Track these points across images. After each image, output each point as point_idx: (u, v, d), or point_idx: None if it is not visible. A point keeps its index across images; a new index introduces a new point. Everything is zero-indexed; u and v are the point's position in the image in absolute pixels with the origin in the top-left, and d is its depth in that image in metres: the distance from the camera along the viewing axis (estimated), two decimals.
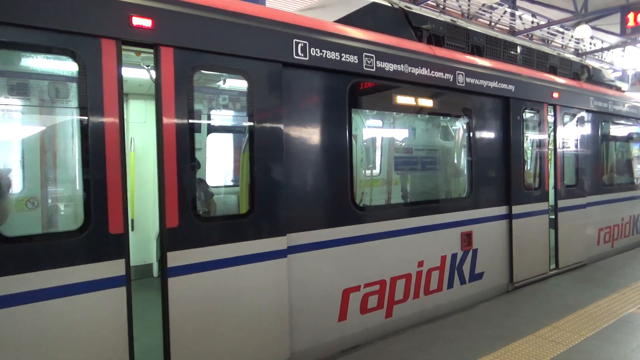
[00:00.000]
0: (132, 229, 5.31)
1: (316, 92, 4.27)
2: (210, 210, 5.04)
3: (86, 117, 3.00)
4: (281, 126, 3.89)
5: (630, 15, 12.78)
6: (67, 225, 3.59)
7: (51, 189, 4.08)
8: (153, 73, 3.34)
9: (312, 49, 4.07)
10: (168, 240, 3.31)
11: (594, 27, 16.48)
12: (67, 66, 3.14)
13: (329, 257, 4.26)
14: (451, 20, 6.13)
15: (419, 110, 5.64)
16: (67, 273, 2.90)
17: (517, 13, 16.30)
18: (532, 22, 17.18)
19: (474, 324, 4.86)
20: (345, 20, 4.90)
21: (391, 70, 4.72)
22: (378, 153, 6.95)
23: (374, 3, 5.25)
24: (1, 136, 3.38)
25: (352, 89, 4.48)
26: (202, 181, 4.89)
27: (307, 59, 4.04)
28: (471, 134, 5.79)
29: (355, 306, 4.47)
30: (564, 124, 7.20)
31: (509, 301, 5.62)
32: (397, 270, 4.83)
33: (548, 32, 18.62)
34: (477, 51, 6.15)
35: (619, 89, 9.49)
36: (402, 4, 5.66)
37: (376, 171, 6.97)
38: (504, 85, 6.06)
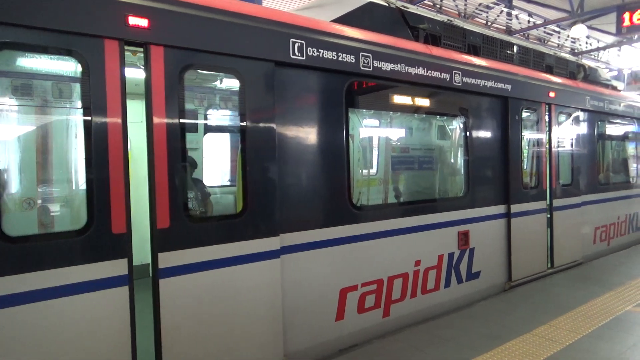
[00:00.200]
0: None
1: (313, 92, 4.26)
2: (207, 210, 5.02)
3: (90, 118, 3.00)
4: (274, 126, 3.87)
5: (626, 15, 12.87)
6: (70, 225, 3.58)
7: (53, 188, 4.06)
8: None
9: (309, 48, 4.07)
10: (159, 241, 3.29)
11: (590, 27, 16.52)
12: (70, 67, 3.13)
13: (326, 257, 4.25)
14: (448, 19, 6.14)
15: (416, 109, 5.64)
16: (71, 272, 2.90)
17: (514, 13, 16.32)
18: (529, 22, 17.22)
19: (471, 322, 4.87)
20: (342, 20, 4.91)
21: (388, 69, 4.72)
22: (375, 153, 6.95)
23: (370, 3, 5.26)
24: (4, 136, 3.36)
25: (349, 89, 4.48)
26: (199, 181, 4.87)
27: (304, 58, 4.04)
28: (468, 133, 5.80)
29: (352, 306, 4.47)
30: (560, 123, 7.23)
31: (506, 300, 5.63)
32: (395, 270, 4.84)
33: (544, 32, 18.67)
34: (474, 51, 6.16)
35: (615, 88, 9.54)
36: (399, 4, 5.67)
37: (373, 171, 6.97)
38: (500, 85, 6.07)
